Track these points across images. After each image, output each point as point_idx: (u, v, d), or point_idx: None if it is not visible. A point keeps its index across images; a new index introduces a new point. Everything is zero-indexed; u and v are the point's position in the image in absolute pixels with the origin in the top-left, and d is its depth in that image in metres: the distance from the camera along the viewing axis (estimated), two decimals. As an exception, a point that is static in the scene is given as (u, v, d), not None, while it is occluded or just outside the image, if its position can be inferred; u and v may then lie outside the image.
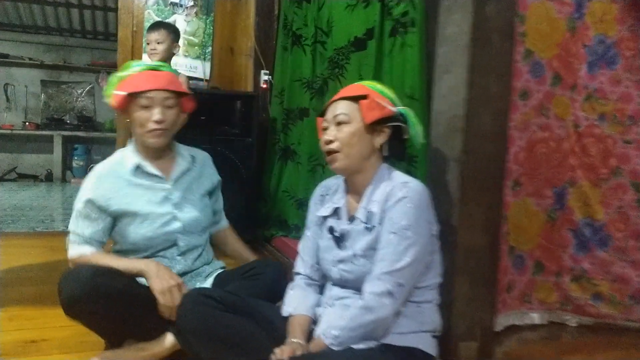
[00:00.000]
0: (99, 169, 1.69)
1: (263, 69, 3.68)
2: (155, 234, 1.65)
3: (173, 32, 3.00)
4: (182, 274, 1.69)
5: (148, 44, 2.95)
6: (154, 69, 1.68)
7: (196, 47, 3.81)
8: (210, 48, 3.85)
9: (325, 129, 1.50)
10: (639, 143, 2.07)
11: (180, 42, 3.74)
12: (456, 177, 1.52)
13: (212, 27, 3.84)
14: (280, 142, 3.47)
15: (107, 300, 1.47)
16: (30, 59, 7.47)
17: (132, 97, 1.62)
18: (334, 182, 1.62)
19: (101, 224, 1.65)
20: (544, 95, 1.99)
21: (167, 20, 3.58)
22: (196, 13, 3.78)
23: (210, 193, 1.85)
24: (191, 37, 3.78)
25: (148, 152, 1.71)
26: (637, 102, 2.08)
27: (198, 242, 1.75)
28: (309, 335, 1.45)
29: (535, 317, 1.98)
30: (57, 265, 2.43)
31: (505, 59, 1.53)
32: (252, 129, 3.39)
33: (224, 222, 1.96)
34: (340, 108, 1.47)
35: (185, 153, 1.79)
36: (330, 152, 1.46)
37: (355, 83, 1.57)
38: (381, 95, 1.47)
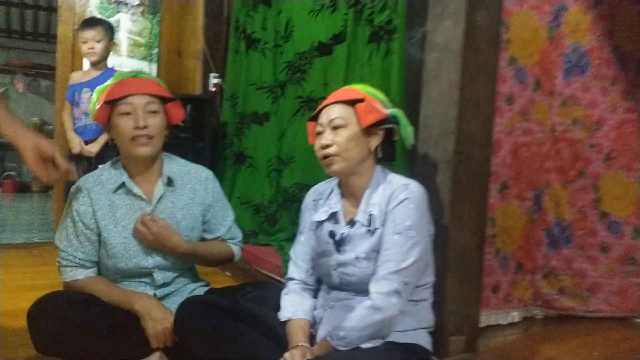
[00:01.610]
0: (85, 184, 1.57)
1: (212, 72, 3.62)
2: (127, 266, 1.55)
3: (110, 29, 2.88)
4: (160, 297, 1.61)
5: (84, 42, 2.80)
6: (133, 75, 1.58)
7: (142, 48, 3.66)
8: (156, 49, 3.71)
9: (320, 133, 1.50)
10: (600, 147, 2.26)
11: (126, 42, 3.61)
12: (448, 178, 1.57)
13: (158, 28, 3.71)
14: (233, 147, 3.41)
15: (84, 334, 1.40)
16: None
17: (113, 106, 1.52)
18: (326, 187, 1.63)
19: (92, 243, 1.55)
20: (527, 101, 2.11)
21: (111, 19, 3.41)
22: (142, 12, 3.64)
23: (204, 218, 1.68)
24: (137, 37, 3.63)
25: (134, 167, 1.58)
26: (602, 108, 2.27)
27: (178, 273, 1.65)
28: (310, 339, 1.45)
29: (515, 316, 2.08)
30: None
31: (492, 65, 1.62)
32: (205, 133, 3.31)
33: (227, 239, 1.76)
34: (335, 112, 1.47)
35: (165, 174, 1.61)
36: (327, 156, 1.46)
37: (346, 87, 1.58)
38: (375, 99, 1.49)
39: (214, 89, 3.58)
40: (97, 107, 1.54)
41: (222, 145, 3.52)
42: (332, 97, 1.52)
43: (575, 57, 2.23)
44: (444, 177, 1.59)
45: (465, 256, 1.62)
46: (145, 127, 1.49)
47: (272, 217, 3.15)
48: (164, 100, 1.57)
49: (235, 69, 3.43)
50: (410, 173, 1.64)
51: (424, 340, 1.45)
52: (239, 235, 1.79)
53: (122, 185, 1.57)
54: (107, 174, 1.59)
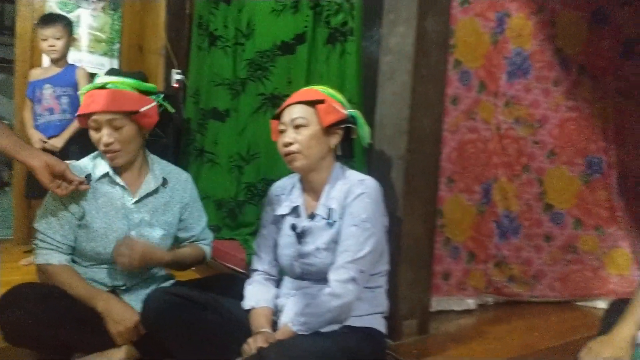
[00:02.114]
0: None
1: (175, 69, 3.63)
2: (105, 250, 1.60)
3: (69, 25, 2.87)
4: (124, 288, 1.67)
5: (44, 40, 2.78)
6: (101, 86, 1.58)
7: (103, 44, 3.64)
8: (117, 45, 3.70)
9: (282, 131, 1.58)
10: (544, 143, 2.43)
11: (86, 37, 3.58)
12: (401, 174, 1.69)
13: (120, 23, 3.70)
14: (196, 143, 3.45)
15: (54, 326, 1.44)
16: None
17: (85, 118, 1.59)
18: (288, 182, 1.72)
19: (72, 227, 1.59)
20: (472, 101, 2.25)
21: (71, 15, 3.38)
22: (103, 8, 3.62)
23: (181, 216, 1.77)
24: (98, 33, 3.61)
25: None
26: (543, 107, 2.44)
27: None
28: (273, 326, 1.54)
29: (471, 303, 2.21)
30: None
31: (441, 68, 1.74)
32: (169, 130, 3.32)
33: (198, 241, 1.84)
34: (297, 112, 1.56)
35: (158, 172, 1.71)
36: (290, 153, 1.55)
37: (308, 88, 1.67)
38: (335, 100, 1.59)
39: (176, 86, 3.59)
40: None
41: (185, 142, 3.55)
42: (294, 97, 1.60)
43: (518, 60, 2.39)
44: (397, 172, 1.70)
45: (417, 245, 1.73)
46: (111, 143, 1.56)
47: (234, 212, 3.20)
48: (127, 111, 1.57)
49: (198, 65, 3.45)
50: (366, 169, 1.74)
51: (379, 324, 1.56)
52: (210, 236, 1.88)
53: (106, 174, 1.62)
54: (92, 164, 1.64)
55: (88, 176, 1.60)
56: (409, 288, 1.73)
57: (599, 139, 2.51)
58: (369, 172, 1.60)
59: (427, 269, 1.78)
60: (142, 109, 1.58)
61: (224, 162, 3.27)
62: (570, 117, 2.50)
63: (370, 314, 1.55)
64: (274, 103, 2.92)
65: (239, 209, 3.17)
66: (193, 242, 1.82)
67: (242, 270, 2.49)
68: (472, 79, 2.25)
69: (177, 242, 1.81)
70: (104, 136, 1.55)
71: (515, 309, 2.21)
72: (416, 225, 1.73)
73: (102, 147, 1.57)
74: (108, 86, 1.58)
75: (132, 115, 1.57)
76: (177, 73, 3.60)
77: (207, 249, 1.85)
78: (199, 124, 3.42)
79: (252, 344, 1.40)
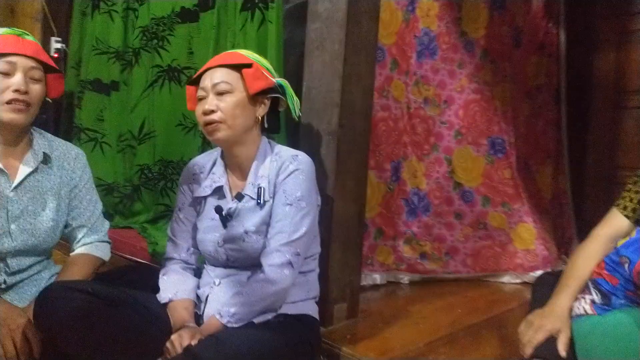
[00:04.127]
0: None
1: (54, 36, 3.20)
2: None
3: None
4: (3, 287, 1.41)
5: None
6: (18, 34, 1.40)
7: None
8: (-19, 5, 3.16)
9: (201, 98, 1.40)
10: (451, 124, 2.47)
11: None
12: (332, 150, 1.58)
13: (-17, -19, 3.16)
14: (79, 120, 3.05)
15: None
16: None
17: None
18: (207, 159, 1.54)
19: None
20: (385, 79, 2.20)
21: None
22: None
23: (70, 201, 1.52)
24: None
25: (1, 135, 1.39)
26: (449, 88, 2.46)
27: (35, 260, 1.46)
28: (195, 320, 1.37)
29: (377, 278, 2.19)
30: None
31: (372, 38, 1.65)
32: (47, 105, 2.90)
33: (87, 243, 1.55)
34: (220, 76, 1.39)
35: (38, 148, 1.45)
36: (211, 123, 1.37)
37: (231, 51, 1.51)
38: (261, 66, 1.44)
39: (56, 55, 3.16)
40: None
41: (66, 118, 3.14)
42: (215, 60, 1.43)
43: (426, 41, 2.40)
44: (328, 148, 1.60)
45: (348, 226, 1.65)
46: (26, 92, 1.34)
47: (129, 197, 2.90)
48: (46, 69, 1.42)
49: (81, 32, 3.06)
50: (292, 145, 1.61)
51: (313, 310, 1.46)
52: (106, 226, 1.63)
53: None
54: None
55: None
56: (340, 270, 1.65)
57: (500, 121, 2.62)
58: (295, 149, 1.48)
59: (358, 249, 1.71)
60: None
61: (113, 142, 2.95)
62: (474, 99, 2.57)
63: (304, 300, 1.45)
64: (172, 76, 2.69)
65: (135, 195, 2.88)
66: (84, 235, 1.55)
67: (141, 260, 2.24)
68: (386, 56, 2.21)
69: (66, 232, 1.54)
70: (22, 83, 1.33)
71: (429, 287, 2.23)
72: (347, 205, 1.64)
73: (12, 96, 1.33)
74: (25, 37, 1.41)
75: (47, 74, 1.43)
76: (57, 41, 3.19)
77: (103, 249, 1.58)
78: (78, 98, 3.04)
79: (177, 342, 1.23)
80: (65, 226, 1.52)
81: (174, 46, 2.63)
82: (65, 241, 1.58)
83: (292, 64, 2.14)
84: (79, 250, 1.53)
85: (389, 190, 2.24)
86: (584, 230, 1.46)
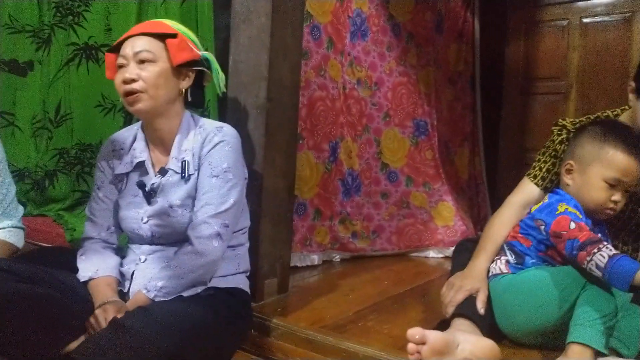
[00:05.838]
0: None
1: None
2: None
3: None
4: None
5: None
6: None
7: None
8: None
9: (121, 66, 1.35)
10: (380, 105, 2.52)
11: None
12: (261, 124, 1.57)
13: None
14: (-11, 102, 2.84)
15: None
16: None
17: None
18: (127, 135, 1.48)
19: None
20: (321, 57, 2.20)
21: None
22: None
23: None
24: None
25: None
26: (379, 71, 2.51)
27: None
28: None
29: (315, 259, 2.19)
30: None
31: (299, 13, 1.65)
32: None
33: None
34: (142, 44, 1.34)
35: None
36: (132, 93, 1.32)
37: (155, 20, 1.46)
38: (187, 37, 1.41)
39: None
40: None
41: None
42: (138, 28, 1.39)
43: (358, 22, 2.43)
44: (256, 123, 1.58)
45: (278, 200, 1.65)
46: None
47: (41, 184, 2.74)
48: None
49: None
50: (221, 120, 1.59)
51: (244, 284, 1.46)
52: (19, 212, 1.54)
53: None
54: None
55: None
56: (271, 245, 1.64)
57: (424, 103, 2.71)
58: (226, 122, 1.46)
59: (288, 224, 1.71)
60: None
61: (25, 125, 2.76)
62: (401, 82, 2.65)
63: (233, 274, 1.44)
64: (90, 54, 2.55)
65: (49, 180, 2.71)
66: None
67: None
68: (322, 35, 2.21)
69: None
70: None
71: (358, 263, 2.29)
72: (277, 180, 1.64)
73: None
74: None
75: None
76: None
77: (18, 235, 1.50)
78: (-8, 81, 2.82)
79: (102, 317, 1.18)
80: None
81: (90, 23, 2.50)
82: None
83: (222, 42, 2.09)
84: None
85: (327, 171, 2.26)
86: (498, 208, 1.55)
